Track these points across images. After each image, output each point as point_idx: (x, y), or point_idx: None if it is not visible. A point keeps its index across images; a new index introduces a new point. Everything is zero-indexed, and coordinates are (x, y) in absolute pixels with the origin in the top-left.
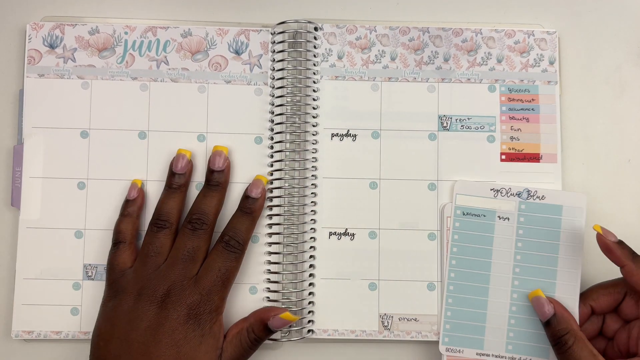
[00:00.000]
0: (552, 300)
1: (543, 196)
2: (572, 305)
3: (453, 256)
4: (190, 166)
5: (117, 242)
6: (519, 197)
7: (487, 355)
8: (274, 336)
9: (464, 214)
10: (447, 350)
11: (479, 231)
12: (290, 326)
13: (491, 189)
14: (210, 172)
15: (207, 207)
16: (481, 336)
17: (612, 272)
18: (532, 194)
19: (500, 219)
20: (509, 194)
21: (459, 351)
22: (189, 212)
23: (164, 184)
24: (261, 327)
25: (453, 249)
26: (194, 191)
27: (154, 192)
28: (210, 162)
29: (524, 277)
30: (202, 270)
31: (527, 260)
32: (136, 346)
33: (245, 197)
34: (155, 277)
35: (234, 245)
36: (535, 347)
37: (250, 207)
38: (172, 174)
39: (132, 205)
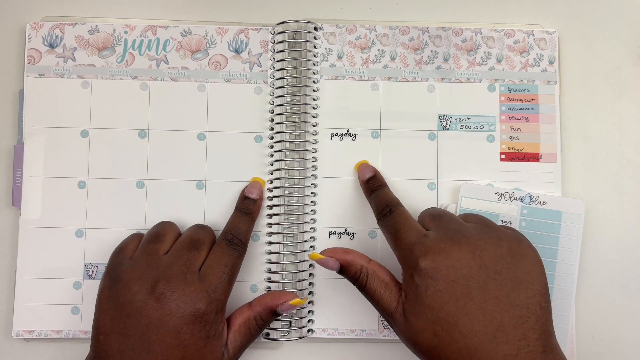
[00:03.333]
0: (332, 253)
1: (544, 201)
2: (567, 308)
3: None
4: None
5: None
6: (522, 201)
7: None
8: (273, 336)
9: None
10: None
11: None
12: (290, 326)
13: (495, 193)
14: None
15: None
16: None
17: (606, 277)
18: (534, 199)
19: (503, 222)
20: (512, 199)
21: None
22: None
23: (165, 183)
24: (269, 314)
25: None
26: (194, 189)
27: (154, 190)
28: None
29: None
30: (207, 267)
31: None
32: (138, 342)
33: (244, 198)
34: (156, 266)
35: (237, 243)
36: None
37: (249, 207)
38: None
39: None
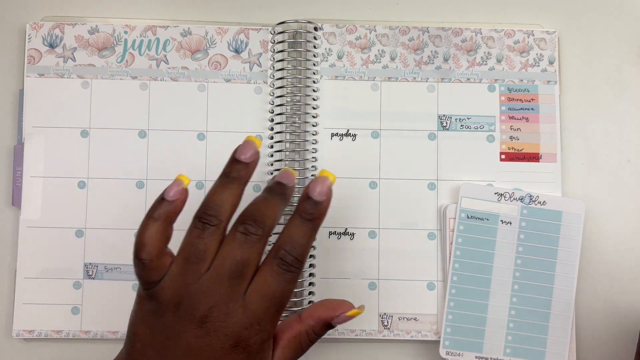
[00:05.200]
0: None
1: (544, 201)
2: (567, 308)
3: (456, 259)
4: (257, 158)
5: (141, 259)
6: (522, 201)
7: (486, 358)
8: None
9: (468, 217)
10: (448, 354)
11: (482, 235)
12: None
13: (495, 193)
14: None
15: (268, 210)
16: (481, 339)
17: (606, 277)
18: (533, 199)
19: (503, 223)
20: (512, 199)
21: (459, 354)
22: (242, 215)
23: (165, 183)
24: (323, 328)
25: (456, 252)
26: (194, 189)
27: (155, 191)
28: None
29: (524, 282)
30: (253, 294)
31: (527, 264)
32: None
33: (306, 198)
34: (196, 291)
35: (291, 263)
36: (532, 351)
37: (311, 212)
38: (233, 161)
39: (167, 206)
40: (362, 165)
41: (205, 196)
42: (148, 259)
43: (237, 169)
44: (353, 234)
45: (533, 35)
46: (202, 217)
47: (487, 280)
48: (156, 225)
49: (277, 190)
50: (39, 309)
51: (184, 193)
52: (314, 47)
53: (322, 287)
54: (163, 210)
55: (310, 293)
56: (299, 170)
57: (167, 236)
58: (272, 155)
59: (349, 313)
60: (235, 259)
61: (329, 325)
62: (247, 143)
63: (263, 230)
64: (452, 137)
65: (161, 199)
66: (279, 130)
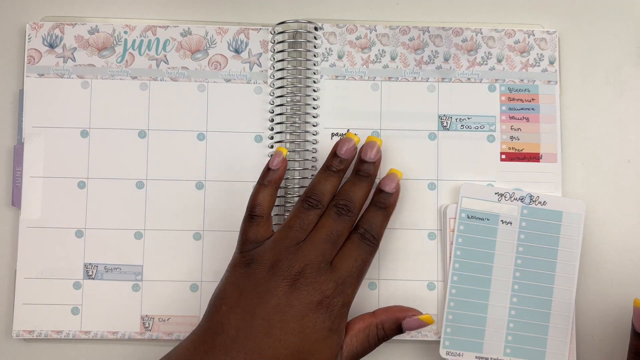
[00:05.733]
0: None
1: (544, 202)
2: (567, 308)
3: (456, 259)
4: (354, 153)
5: (254, 215)
6: (522, 201)
7: (486, 358)
8: None
9: (468, 217)
10: (448, 354)
11: (482, 235)
12: None
13: (495, 193)
14: (360, 162)
15: (354, 195)
16: (481, 339)
17: (606, 277)
18: (534, 199)
19: (503, 223)
20: (512, 199)
21: (459, 354)
22: (335, 197)
23: (165, 183)
24: (393, 326)
25: (456, 252)
26: (194, 189)
27: (154, 190)
28: (362, 152)
29: (524, 282)
30: (338, 258)
31: (527, 264)
32: (259, 322)
33: (379, 191)
34: (294, 252)
35: (369, 238)
36: (532, 351)
37: (384, 201)
38: (334, 156)
39: (273, 174)
40: None
41: (311, 183)
42: (260, 215)
43: (337, 163)
44: None
45: (533, 35)
46: (309, 200)
47: (487, 280)
48: (266, 189)
49: (364, 171)
50: (39, 309)
51: (284, 162)
52: (314, 47)
53: None
54: (270, 177)
55: None
56: (298, 170)
57: (274, 199)
58: (272, 156)
59: (421, 317)
60: (330, 228)
61: (398, 328)
62: (346, 138)
63: (352, 212)
64: (453, 137)
65: (267, 169)
66: (279, 130)
